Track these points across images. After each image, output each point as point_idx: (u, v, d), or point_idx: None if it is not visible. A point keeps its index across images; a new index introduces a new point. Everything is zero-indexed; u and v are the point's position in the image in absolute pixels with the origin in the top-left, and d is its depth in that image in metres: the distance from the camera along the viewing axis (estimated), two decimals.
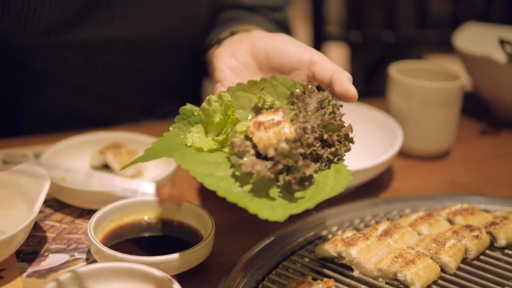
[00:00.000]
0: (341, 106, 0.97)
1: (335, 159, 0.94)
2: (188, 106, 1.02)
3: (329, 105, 0.97)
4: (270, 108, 0.98)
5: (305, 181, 0.89)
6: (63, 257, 1.07)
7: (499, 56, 1.58)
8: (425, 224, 1.10)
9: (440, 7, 2.90)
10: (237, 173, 0.91)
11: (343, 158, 0.95)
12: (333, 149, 0.93)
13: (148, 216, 1.12)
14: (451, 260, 1.01)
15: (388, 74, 1.52)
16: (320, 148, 0.92)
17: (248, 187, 0.89)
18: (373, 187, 1.34)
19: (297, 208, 0.86)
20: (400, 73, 1.51)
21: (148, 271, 0.91)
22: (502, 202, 1.22)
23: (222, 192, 0.89)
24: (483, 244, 1.07)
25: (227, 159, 0.94)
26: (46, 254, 1.08)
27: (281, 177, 0.88)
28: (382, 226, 1.09)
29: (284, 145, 0.87)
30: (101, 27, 1.45)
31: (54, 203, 1.21)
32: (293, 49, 1.04)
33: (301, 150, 0.88)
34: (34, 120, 1.59)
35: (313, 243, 1.09)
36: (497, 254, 1.08)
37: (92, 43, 1.48)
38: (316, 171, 0.91)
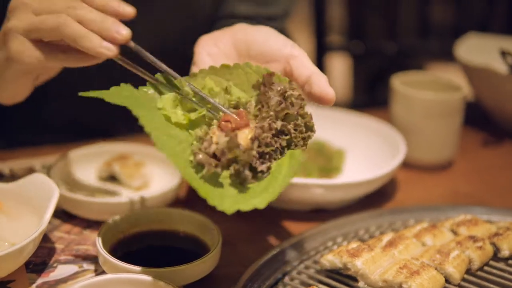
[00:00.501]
0: (300, 95, 0.95)
1: (292, 147, 0.93)
2: (160, 76, 1.02)
3: (287, 96, 0.95)
4: (236, 105, 0.97)
5: (259, 173, 0.89)
6: (72, 268, 1.09)
7: (501, 67, 1.59)
8: (429, 235, 1.11)
9: (442, 17, 2.92)
10: (191, 159, 0.90)
11: (301, 145, 0.93)
12: (287, 137, 0.92)
13: (155, 227, 1.13)
14: (455, 271, 1.02)
15: (390, 85, 1.53)
16: (275, 140, 0.91)
17: (201, 173, 0.88)
18: (377, 198, 1.35)
19: (245, 203, 0.85)
20: (402, 84, 1.52)
21: (156, 282, 0.92)
22: (505, 213, 1.23)
23: (180, 168, 0.87)
24: (486, 255, 1.08)
25: (189, 144, 0.92)
26: (55, 265, 1.09)
27: (231, 167, 0.88)
28: (387, 237, 1.10)
29: (223, 139, 0.89)
30: None
31: (61, 214, 1.22)
32: (274, 40, 1.04)
33: (255, 152, 0.88)
34: (38, 131, 1.60)
35: (318, 254, 1.10)
36: (501, 264, 1.09)
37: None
38: (270, 165, 0.90)
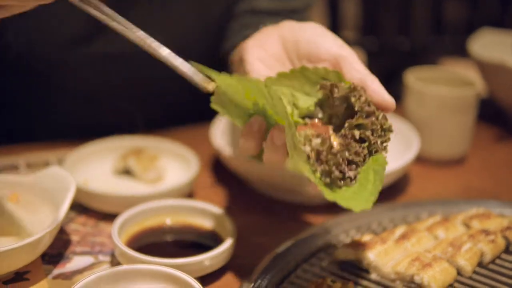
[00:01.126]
0: (367, 100, 0.93)
1: (373, 152, 0.92)
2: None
3: (356, 102, 0.93)
4: (308, 116, 0.96)
5: (346, 178, 0.89)
6: (87, 260, 1.10)
7: None
8: (442, 228, 1.12)
9: (456, 13, 2.92)
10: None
11: (382, 148, 0.93)
12: (366, 144, 0.91)
13: (170, 219, 1.14)
14: (467, 263, 1.03)
15: (404, 81, 1.54)
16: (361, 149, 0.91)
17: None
18: (390, 192, 1.35)
19: (342, 200, 0.85)
20: (416, 79, 1.52)
21: (171, 273, 0.93)
22: None
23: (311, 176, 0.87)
24: (498, 248, 1.09)
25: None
26: (71, 256, 1.10)
27: (321, 167, 0.87)
28: (400, 230, 1.11)
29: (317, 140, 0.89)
30: (118, 40, 1.47)
31: (76, 206, 1.23)
32: (322, 39, 1.02)
33: (347, 154, 0.89)
34: (52, 129, 1.61)
35: (332, 246, 1.11)
36: None
37: (110, 55, 1.50)
38: (358, 172, 0.90)
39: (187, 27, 1.53)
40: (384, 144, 0.93)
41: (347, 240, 1.13)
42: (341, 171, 0.88)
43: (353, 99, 0.94)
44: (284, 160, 0.93)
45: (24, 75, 1.56)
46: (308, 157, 0.88)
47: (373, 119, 0.92)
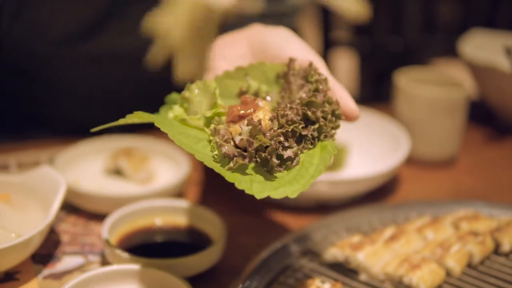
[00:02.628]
0: (325, 80, 0.92)
1: (322, 137, 0.89)
2: (174, 95, 1.01)
3: (312, 81, 0.93)
4: (256, 94, 0.96)
5: (287, 161, 0.86)
6: (78, 260, 1.10)
7: (505, 64, 1.60)
8: (431, 230, 1.13)
9: (448, 13, 2.92)
10: (217, 153, 0.87)
11: (331, 135, 0.90)
12: (316, 126, 0.89)
13: (159, 219, 1.14)
14: (455, 264, 1.04)
15: (394, 82, 1.54)
16: (302, 127, 0.88)
17: (228, 165, 0.85)
18: (380, 193, 1.36)
19: (275, 191, 0.83)
20: (405, 80, 1.53)
21: (161, 273, 0.94)
22: (507, 208, 1.24)
23: (200, 157, 0.86)
24: (487, 249, 1.09)
25: (208, 140, 0.89)
26: (61, 256, 1.10)
27: (257, 156, 0.85)
28: (389, 231, 1.11)
29: (245, 128, 0.86)
30: (115, 39, 1.47)
31: (67, 206, 1.23)
32: (290, 44, 1.01)
33: (279, 132, 0.85)
34: (46, 128, 1.61)
35: (321, 247, 1.11)
36: (501, 259, 1.10)
37: (105, 55, 1.50)
38: (298, 152, 0.87)
39: None
40: (333, 131, 0.90)
41: (337, 241, 1.13)
42: (278, 157, 0.85)
43: (310, 74, 0.93)
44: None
45: (16, 73, 1.56)
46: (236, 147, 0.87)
47: (325, 102, 0.90)
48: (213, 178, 1.38)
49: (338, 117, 0.91)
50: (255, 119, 0.86)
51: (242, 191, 1.24)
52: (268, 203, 1.30)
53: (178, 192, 1.27)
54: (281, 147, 0.85)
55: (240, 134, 0.86)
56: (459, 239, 1.08)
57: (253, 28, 1.08)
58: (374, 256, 1.05)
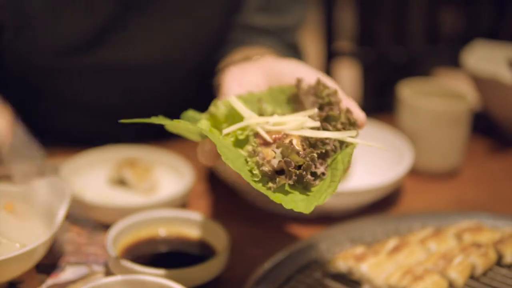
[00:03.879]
0: (335, 92, 0.95)
1: (344, 147, 0.91)
2: (191, 112, 1.03)
3: (322, 96, 0.95)
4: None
5: (319, 176, 0.88)
6: (81, 270, 1.10)
7: (508, 77, 1.60)
8: (434, 241, 1.13)
9: (451, 23, 2.92)
10: (256, 173, 0.88)
11: (352, 143, 0.92)
12: (341, 138, 0.90)
13: (163, 230, 1.14)
14: (458, 276, 1.04)
15: (397, 93, 1.55)
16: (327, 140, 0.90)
17: (268, 185, 0.86)
18: (383, 204, 1.36)
19: (320, 198, 0.85)
20: (409, 92, 1.53)
21: (165, 283, 0.94)
22: (510, 219, 1.24)
23: (245, 176, 0.86)
24: (490, 261, 1.09)
25: (244, 160, 0.90)
26: (65, 266, 1.11)
27: (293, 174, 0.86)
28: (392, 243, 1.11)
29: (278, 151, 0.87)
30: (117, 51, 1.48)
31: (71, 216, 1.24)
32: (303, 74, 1.02)
33: (315, 154, 0.87)
34: (50, 139, 1.62)
35: (324, 258, 1.12)
36: (504, 270, 1.10)
37: (108, 66, 1.50)
38: (328, 166, 0.89)
39: (187, 40, 1.54)
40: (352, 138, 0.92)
41: (340, 252, 1.13)
42: (312, 173, 0.87)
43: (319, 90, 0.95)
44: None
45: (19, 85, 1.56)
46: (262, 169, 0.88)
47: (341, 113, 0.92)
48: (217, 189, 1.38)
49: (354, 124, 0.93)
50: (286, 141, 0.88)
51: (245, 201, 1.25)
52: (273, 213, 1.30)
53: (182, 203, 1.27)
54: (313, 165, 0.87)
55: (274, 157, 0.88)
56: (462, 251, 1.09)
57: (266, 58, 1.11)
58: (377, 267, 1.05)
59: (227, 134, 0.93)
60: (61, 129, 1.62)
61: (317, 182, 0.88)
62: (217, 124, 0.97)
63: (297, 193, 0.87)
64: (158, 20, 1.48)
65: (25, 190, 1.15)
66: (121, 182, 1.34)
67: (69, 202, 1.08)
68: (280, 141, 0.89)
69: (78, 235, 1.20)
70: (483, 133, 1.73)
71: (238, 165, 0.88)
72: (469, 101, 1.51)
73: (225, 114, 0.97)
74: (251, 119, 0.93)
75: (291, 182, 0.86)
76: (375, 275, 1.04)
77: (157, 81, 1.59)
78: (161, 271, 1.00)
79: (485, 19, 2.88)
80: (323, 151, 0.89)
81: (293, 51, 1.55)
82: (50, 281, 1.07)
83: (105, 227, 1.17)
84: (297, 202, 0.85)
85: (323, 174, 0.88)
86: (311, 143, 0.90)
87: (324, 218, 1.28)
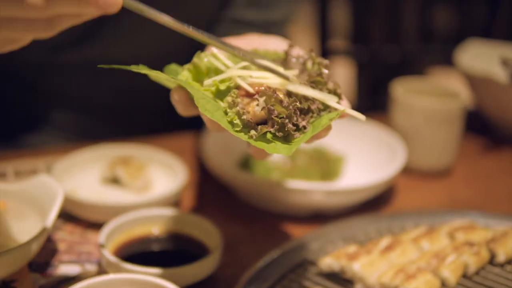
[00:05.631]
0: (326, 64, 0.97)
1: (327, 112, 0.92)
2: (173, 65, 1.04)
3: (313, 64, 0.98)
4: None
5: (300, 129, 0.89)
6: (74, 269, 1.10)
7: (501, 75, 1.60)
8: (426, 240, 1.13)
9: (445, 22, 2.93)
10: (237, 123, 0.88)
11: (334, 109, 0.93)
12: (323, 99, 0.92)
13: (156, 228, 1.14)
14: (451, 275, 1.04)
15: (390, 92, 1.55)
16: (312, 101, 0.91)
17: (249, 134, 0.87)
18: (376, 202, 1.36)
19: (298, 141, 0.87)
20: (402, 91, 1.54)
21: (158, 282, 0.94)
22: (503, 218, 1.25)
23: (224, 124, 0.87)
24: (483, 260, 1.10)
25: (223, 111, 0.90)
26: (57, 265, 1.11)
27: (275, 123, 0.87)
28: (385, 241, 1.11)
29: (261, 99, 0.88)
30: (107, 47, 1.47)
31: (64, 215, 1.24)
32: (284, 46, 1.04)
33: (297, 105, 0.88)
34: (42, 135, 1.62)
35: (317, 257, 1.12)
36: (497, 269, 1.11)
37: (97, 63, 1.50)
38: (310, 121, 0.91)
39: (177, 35, 1.54)
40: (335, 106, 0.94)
41: (333, 250, 1.14)
42: (294, 124, 0.88)
43: (310, 60, 0.98)
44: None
45: (11, 81, 1.56)
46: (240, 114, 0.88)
47: (329, 81, 0.95)
48: (210, 187, 1.38)
49: (339, 96, 0.95)
50: (272, 97, 0.88)
51: (239, 199, 1.25)
52: (265, 212, 1.30)
53: (175, 201, 1.27)
54: (295, 117, 0.88)
55: (257, 105, 0.88)
56: (454, 250, 1.09)
57: (251, 34, 1.11)
58: (370, 266, 1.05)
59: (208, 86, 0.93)
60: (54, 125, 1.62)
61: (298, 134, 0.88)
62: (199, 76, 0.98)
63: (278, 142, 0.87)
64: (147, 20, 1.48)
65: (18, 189, 1.15)
66: (114, 181, 1.34)
67: (61, 201, 1.08)
68: (263, 91, 0.90)
69: (71, 233, 1.20)
70: (476, 131, 1.73)
71: (217, 116, 0.88)
72: (462, 99, 1.52)
73: (208, 66, 0.98)
74: (233, 70, 0.94)
75: (273, 130, 0.87)
76: (367, 274, 1.04)
77: (147, 77, 1.59)
78: (154, 270, 1.00)
79: (479, 17, 2.88)
80: (306, 107, 0.90)
81: None
82: (43, 279, 1.07)
83: (98, 225, 1.17)
84: (279, 148, 0.86)
85: (304, 127, 0.89)
86: (295, 98, 0.90)
87: (317, 217, 1.29)
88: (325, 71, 0.96)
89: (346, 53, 2.79)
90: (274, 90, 0.89)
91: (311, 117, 0.91)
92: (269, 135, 0.88)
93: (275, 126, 0.87)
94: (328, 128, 0.91)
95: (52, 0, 0.82)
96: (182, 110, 0.98)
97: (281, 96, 0.89)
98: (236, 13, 1.54)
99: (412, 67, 2.84)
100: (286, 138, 0.88)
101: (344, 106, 0.93)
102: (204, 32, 0.95)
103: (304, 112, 0.90)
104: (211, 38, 0.95)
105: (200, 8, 1.53)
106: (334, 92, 0.94)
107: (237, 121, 0.88)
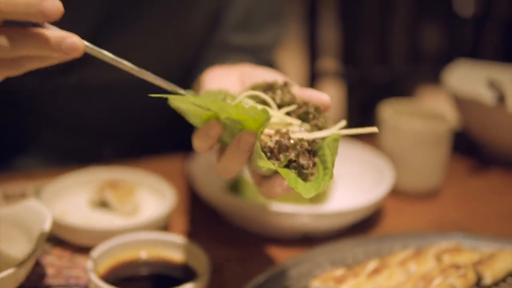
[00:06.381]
0: (289, 83, 1.00)
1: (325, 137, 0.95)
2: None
3: (281, 91, 0.99)
4: None
5: (313, 166, 0.91)
6: None
7: (488, 97, 1.61)
8: (414, 262, 1.13)
9: (433, 42, 2.95)
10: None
11: (328, 127, 0.95)
12: (316, 123, 0.95)
13: (145, 252, 1.15)
14: None
15: (378, 114, 1.56)
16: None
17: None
18: (364, 224, 1.37)
19: (319, 185, 0.88)
20: (390, 113, 1.55)
21: None
22: (490, 240, 1.25)
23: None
24: (469, 282, 1.10)
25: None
26: None
27: (291, 166, 0.89)
28: (372, 264, 1.12)
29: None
30: (98, 70, 1.48)
31: (52, 239, 1.24)
32: (272, 74, 1.07)
33: (306, 144, 0.90)
34: (33, 157, 1.62)
35: (305, 280, 1.12)
36: None
37: (89, 85, 1.51)
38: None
39: (168, 60, 1.55)
40: (326, 121, 0.97)
41: (321, 274, 1.14)
42: (308, 161, 0.90)
43: (275, 95, 0.99)
44: (238, 169, 0.95)
45: (1, 103, 1.56)
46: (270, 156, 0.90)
47: (304, 107, 0.97)
48: (198, 211, 1.39)
49: (318, 110, 0.97)
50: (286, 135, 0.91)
51: (227, 223, 1.25)
52: (253, 235, 1.31)
53: (164, 225, 1.28)
54: (306, 157, 0.90)
55: (270, 141, 0.91)
56: (441, 272, 1.09)
57: (244, 64, 1.13)
58: None
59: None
60: (44, 147, 1.62)
61: (312, 171, 0.90)
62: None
63: (300, 180, 0.89)
64: (139, 36, 1.49)
65: (6, 213, 1.15)
66: (103, 204, 1.34)
67: (49, 226, 1.08)
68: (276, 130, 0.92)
69: (59, 258, 1.20)
70: (464, 153, 1.74)
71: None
72: (450, 122, 1.53)
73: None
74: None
75: (293, 157, 0.89)
76: None
77: (139, 99, 1.59)
78: None
79: (466, 38, 2.90)
80: (313, 148, 0.92)
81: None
82: None
83: (87, 249, 1.17)
84: (299, 185, 0.87)
85: (315, 164, 0.91)
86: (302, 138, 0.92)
87: (305, 240, 1.29)
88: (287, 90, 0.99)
89: (336, 74, 2.80)
90: (287, 130, 0.92)
91: (316, 153, 0.93)
92: (292, 174, 0.89)
93: (293, 164, 0.89)
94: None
95: (17, 42, 0.84)
96: (209, 146, 0.96)
97: (290, 135, 0.91)
98: (224, 37, 1.55)
99: (401, 87, 2.86)
100: (303, 177, 0.90)
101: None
102: (162, 79, 0.97)
103: (313, 153, 0.92)
104: (171, 86, 0.96)
105: (191, 31, 1.54)
106: (315, 110, 0.96)
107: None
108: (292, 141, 0.90)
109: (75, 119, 1.60)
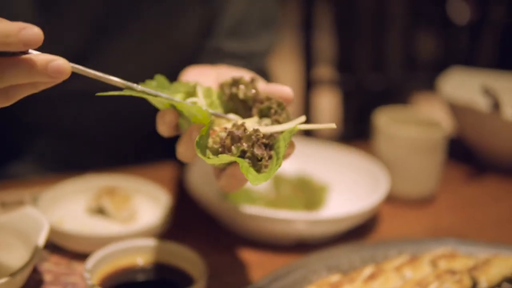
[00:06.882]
0: (255, 79, 1.01)
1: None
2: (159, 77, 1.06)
3: (245, 86, 1.01)
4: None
5: (269, 159, 0.92)
6: None
7: (483, 105, 1.62)
8: (409, 268, 1.14)
9: (429, 50, 2.96)
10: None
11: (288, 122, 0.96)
12: (277, 118, 0.96)
13: (141, 259, 1.15)
14: None
15: (373, 121, 1.56)
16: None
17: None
18: (360, 231, 1.37)
19: (271, 172, 0.88)
20: (385, 120, 1.55)
21: None
22: (485, 246, 1.26)
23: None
24: (464, 287, 1.11)
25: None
26: None
27: (246, 155, 0.91)
28: (368, 270, 1.12)
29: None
30: (90, 79, 1.48)
31: (50, 246, 1.24)
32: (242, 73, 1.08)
33: (262, 139, 0.91)
34: (30, 165, 1.62)
35: (300, 286, 1.12)
36: None
37: (82, 93, 1.51)
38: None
39: (162, 65, 1.55)
40: (287, 116, 0.97)
41: (317, 280, 1.14)
42: (262, 152, 0.91)
43: (239, 90, 1.01)
44: (193, 156, 0.98)
45: None
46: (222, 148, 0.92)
47: (267, 102, 0.98)
48: (195, 217, 1.39)
49: (282, 106, 0.98)
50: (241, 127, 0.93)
51: (223, 229, 1.26)
52: (249, 241, 1.31)
53: (160, 232, 1.28)
54: (259, 148, 0.91)
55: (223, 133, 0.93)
56: (436, 278, 1.10)
57: (221, 65, 1.15)
58: None
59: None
60: (38, 154, 1.62)
61: (267, 162, 0.91)
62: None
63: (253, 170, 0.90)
64: (132, 43, 1.49)
65: (3, 221, 1.15)
66: (100, 211, 1.34)
67: (47, 233, 1.08)
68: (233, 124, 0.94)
69: (56, 264, 1.20)
70: (459, 159, 1.75)
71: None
72: (445, 128, 1.53)
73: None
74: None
75: (246, 148, 0.90)
76: None
77: (132, 105, 1.60)
78: None
79: (462, 45, 2.91)
80: (270, 142, 0.93)
81: (262, 76, 1.57)
82: None
83: (84, 256, 1.18)
84: (250, 173, 0.88)
85: (270, 156, 0.91)
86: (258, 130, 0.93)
87: (301, 246, 1.29)
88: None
89: (331, 82, 2.81)
90: (243, 124, 0.93)
91: (273, 146, 0.94)
92: (245, 164, 0.90)
93: (247, 154, 0.90)
94: (292, 146, 0.94)
95: (4, 73, 0.84)
96: (167, 131, 1.01)
97: (245, 127, 0.92)
98: (217, 43, 1.56)
99: (397, 95, 2.86)
100: (257, 168, 0.91)
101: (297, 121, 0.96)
102: (152, 91, 0.97)
103: (269, 147, 0.93)
104: (162, 96, 0.97)
105: (183, 38, 1.55)
106: (278, 105, 0.97)
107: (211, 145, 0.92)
108: (247, 132, 0.91)
109: (69, 127, 1.61)
